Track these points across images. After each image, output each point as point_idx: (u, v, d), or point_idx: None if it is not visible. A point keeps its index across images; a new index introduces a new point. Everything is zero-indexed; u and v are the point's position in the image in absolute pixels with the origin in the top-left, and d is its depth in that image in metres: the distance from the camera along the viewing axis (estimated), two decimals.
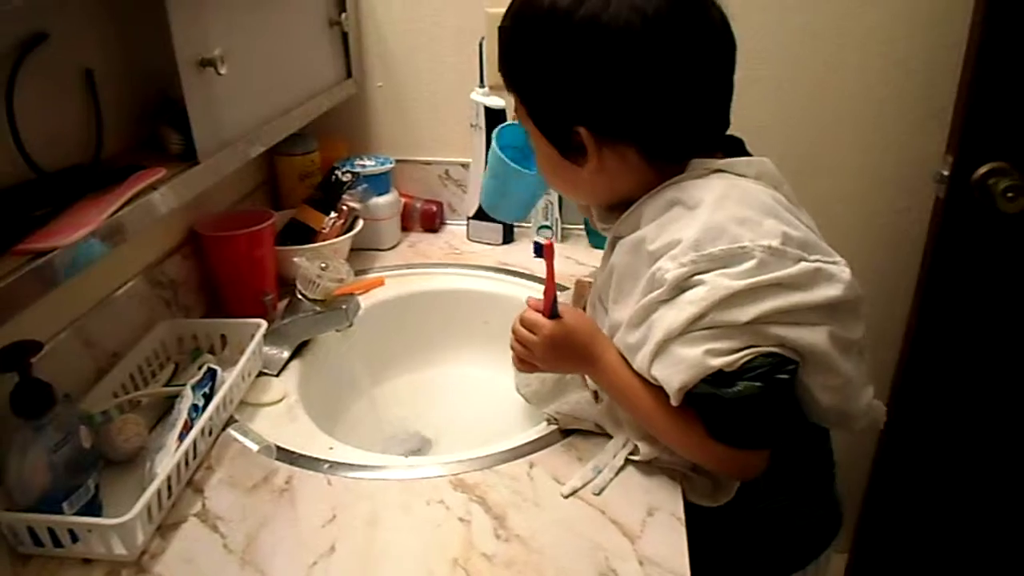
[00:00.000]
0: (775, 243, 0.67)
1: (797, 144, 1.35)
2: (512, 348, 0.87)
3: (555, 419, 0.88)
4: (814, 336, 0.68)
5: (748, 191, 0.72)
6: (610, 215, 0.82)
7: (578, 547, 0.72)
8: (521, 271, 1.28)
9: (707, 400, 0.68)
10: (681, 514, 0.75)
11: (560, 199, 1.36)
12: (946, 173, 1.19)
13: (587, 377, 0.86)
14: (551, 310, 0.82)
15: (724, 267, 0.66)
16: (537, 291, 1.20)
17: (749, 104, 1.31)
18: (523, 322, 0.84)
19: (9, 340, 0.69)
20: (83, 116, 0.82)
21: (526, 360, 0.85)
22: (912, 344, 1.32)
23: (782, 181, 0.77)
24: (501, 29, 0.77)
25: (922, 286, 1.28)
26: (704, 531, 0.78)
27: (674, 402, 0.70)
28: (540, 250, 0.91)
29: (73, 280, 0.67)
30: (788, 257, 0.67)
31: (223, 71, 0.86)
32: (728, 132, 0.80)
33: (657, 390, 0.72)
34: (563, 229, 1.39)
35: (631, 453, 0.81)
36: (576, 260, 1.30)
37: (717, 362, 0.66)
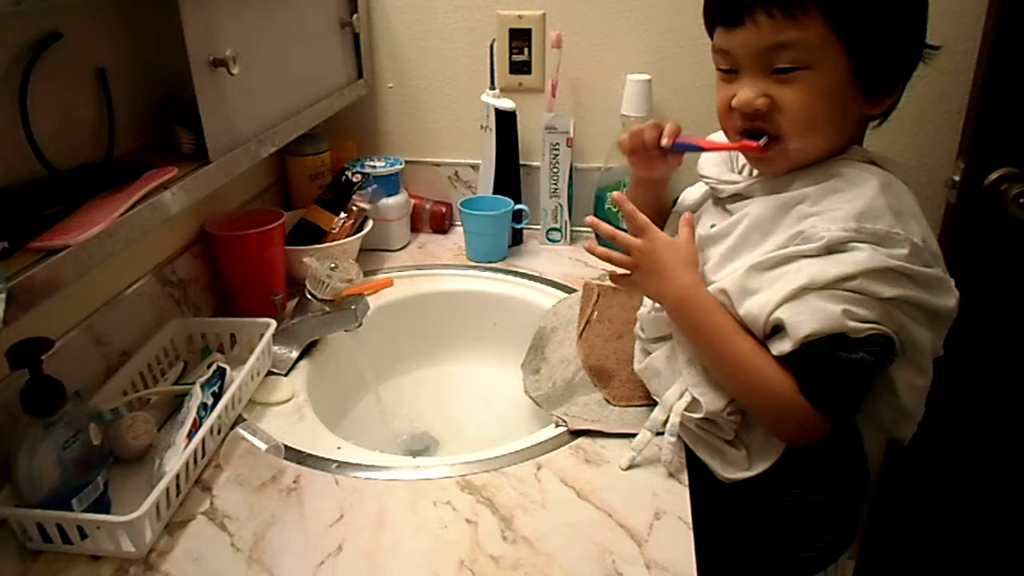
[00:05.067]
0: (919, 242, 0.70)
1: None
2: (618, 260, 0.84)
3: (564, 421, 0.88)
4: (923, 335, 0.72)
5: (903, 190, 0.75)
6: (728, 171, 0.84)
7: (585, 550, 0.71)
8: (529, 273, 1.28)
9: (817, 357, 0.69)
10: (689, 518, 0.75)
11: (570, 203, 1.36)
12: (957, 178, 1.18)
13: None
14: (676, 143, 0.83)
15: (879, 244, 0.69)
16: (544, 292, 1.21)
17: None
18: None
19: (20, 337, 0.69)
20: (96, 115, 0.83)
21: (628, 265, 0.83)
22: None
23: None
24: None
25: None
26: (717, 537, 0.78)
27: (788, 347, 0.70)
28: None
29: (84, 278, 0.67)
30: (922, 259, 0.71)
31: (235, 71, 0.87)
32: None
33: (751, 336, 0.74)
34: (572, 232, 1.39)
35: (687, 408, 0.79)
36: (585, 263, 1.30)
37: (852, 324, 0.68)
